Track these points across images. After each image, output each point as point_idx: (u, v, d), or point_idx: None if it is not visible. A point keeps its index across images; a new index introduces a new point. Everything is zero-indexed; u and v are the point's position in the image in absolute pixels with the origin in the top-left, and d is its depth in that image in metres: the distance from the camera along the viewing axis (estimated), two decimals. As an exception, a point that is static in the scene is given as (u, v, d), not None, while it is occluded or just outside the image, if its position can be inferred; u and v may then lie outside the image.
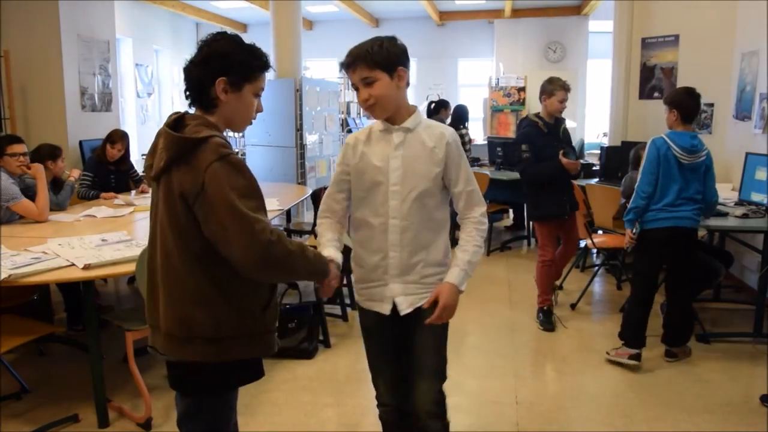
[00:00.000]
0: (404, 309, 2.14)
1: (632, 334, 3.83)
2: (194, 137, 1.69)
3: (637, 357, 3.79)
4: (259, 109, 1.91)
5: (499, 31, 11.67)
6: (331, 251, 2.10)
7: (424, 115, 2.30)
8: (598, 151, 7.43)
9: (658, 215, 3.70)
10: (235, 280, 1.73)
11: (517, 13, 11.31)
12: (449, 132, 2.12)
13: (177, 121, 1.80)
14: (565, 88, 4.32)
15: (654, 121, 5.93)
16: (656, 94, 6.38)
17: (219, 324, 1.75)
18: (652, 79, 6.42)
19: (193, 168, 1.66)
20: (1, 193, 4.03)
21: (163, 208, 1.75)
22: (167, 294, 1.78)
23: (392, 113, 2.08)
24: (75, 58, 6.41)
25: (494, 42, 11.78)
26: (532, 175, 4.44)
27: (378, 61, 1.98)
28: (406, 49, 2.06)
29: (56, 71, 6.23)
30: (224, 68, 1.76)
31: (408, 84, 2.09)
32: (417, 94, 12.05)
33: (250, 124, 1.93)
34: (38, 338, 3.32)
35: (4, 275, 2.84)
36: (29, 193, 4.21)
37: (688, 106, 3.73)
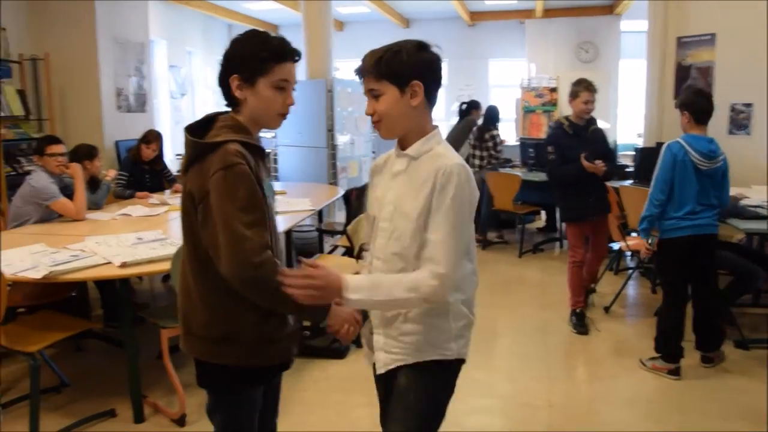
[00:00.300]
0: (379, 368, 1.84)
1: (669, 349, 3.73)
2: (207, 142, 1.70)
3: (676, 372, 3.70)
4: (288, 102, 1.80)
5: (531, 31, 11.58)
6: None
7: (443, 132, 1.93)
8: (633, 153, 7.33)
9: (679, 224, 3.59)
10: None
11: (548, 13, 11.21)
12: (447, 166, 1.65)
13: (208, 122, 1.81)
14: (589, 89, 4.29)
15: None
16: (692, 95, 6.26)
17: (213, 326, 1.77)
18: (688, 79, 6.30)
19: (202, 172, 1.68)
20: (41, 192, 4.12)
21: (182, 207, 1.79)
22: (179, 288, 1.86)
23: (402, 134, 1.77)
24: (111, 60, 6.53)
25: (525, 42, 11.69)
26: (558, 176, 4.48)
27: (386, 72, 1.68)
28: (433, 60, 1.72)
29: (93, 73, 6.36)
30: (235, 65, 1.75)
31: (430, 102, 1.75)
32: (448, 96, 12.02)
33: (283, 118, 1.82)
34: (76, 334, 3.38)
35: (44, 272, 2.91)
36: (67, 192, 4.29)
37: (699, 107, 3.61)
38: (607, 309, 4.87)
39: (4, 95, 5.79)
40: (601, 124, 4.78)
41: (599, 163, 4.26)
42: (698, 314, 3.85)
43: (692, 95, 3.68)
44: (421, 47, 1.71)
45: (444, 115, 11.52)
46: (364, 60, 1.74)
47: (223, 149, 1.67)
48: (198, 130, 1.77)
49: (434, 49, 1.73)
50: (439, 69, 1.75)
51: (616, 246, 5.46)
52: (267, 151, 1.83)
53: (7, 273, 2.88)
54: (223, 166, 1.64)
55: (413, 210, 1.68)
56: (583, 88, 4.29)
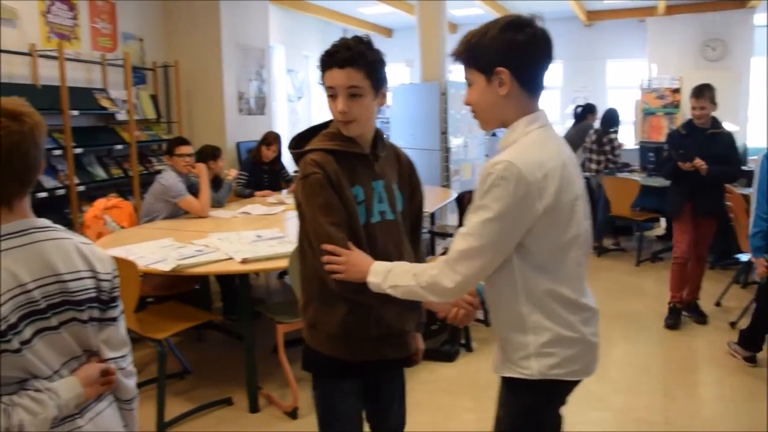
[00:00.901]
0: (493, 368, 1.76)
1: (750, 338, 3.76)
2: (297, 151, 1.84)
3: (751, 359, 3.74)
4: (337, 108, 1.75)
5: (652, 29, 11.06)
6: None
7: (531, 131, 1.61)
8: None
9: None
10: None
11: (671, 9, 10.65)
12: (491, 163, 1.53)
13: (323, 126, 1.89)
14: (697, 95, 4.35)
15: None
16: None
17: (306, 312, 1.90)
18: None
19: (298, 178, 1.82)
20: (169, 190, 4.39)
21: None
22: None
23: (500, 126, 1.63)
24: (234, 65, 6.86)
25: (646, 41, 11.19)
26: (662, 174, 4.86)
27: (471, 58, 1.60)
28: (520, 42, 1.53)
29: (217, 78, 6.70)
30: None
31: (528, 86, 1.57)
32: (563, 98, 11.71)
33: (346, 124, 1.78)
34: (199, 325, 3.58)
35: (172, 265, 3.10)
36: (192, 190, 4.55)
37: None
38: (733, 324, 4.57)
39: (139, 100, 6.22)
40: (729, 126, 4.60)
41: (698, 161, 4.27)
42: None
43: None
44: (509, 26, 1.53)
45: (559, 117, 11.24)
46: (457, 43, 1.62)
47: (303, 159, 1.79)
48: (308, 137, 1.87)
49: (531, 26, 1.54)
50: (532, 49, 1.54)
51: (744, 258, 5.13)
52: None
53: (140, 264, 3.10)
54: (302, 176, 1.77)
55: None
56: (691, 94, 4.38)
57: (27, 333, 1.24)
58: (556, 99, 11.74)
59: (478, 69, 1.56)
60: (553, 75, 11.56)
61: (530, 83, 1.56)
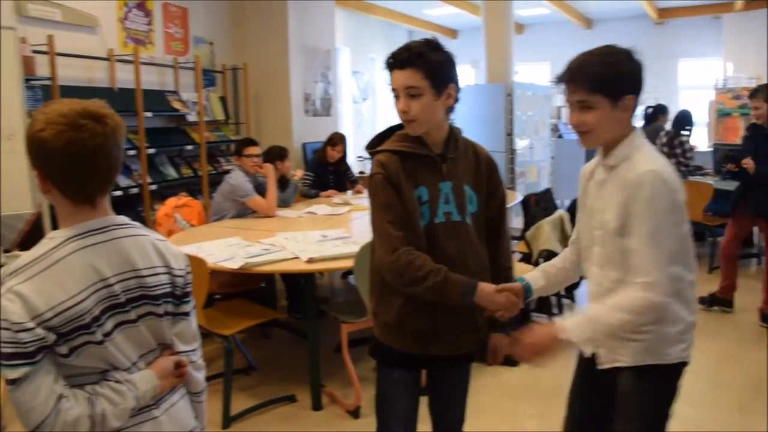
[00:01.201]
0: (601, 363, 1.85)
1: None
2: (370, 150, 1.95)
3: None
4: (398, 108, 1.85)
5: (728, 26, 10.63)
6: (530, 274, 2.02)
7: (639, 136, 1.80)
8: None
9: None
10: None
11: (750, 5, 10.20)
12: (636, 175, 1.65)
13: (400, 126, 1.95)
14: (750, 94, 4.52)
15: None
16: None
17: (373, 303, 2.00)
18: None
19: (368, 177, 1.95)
20: (238, 190, 4.49)
21: None
22: None
23: (606, 143, 1.76)
24: (300, 67, 6.96)
25: (722, 39, 10.77)
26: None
27: (600, 85, 1.67)
28: (640, 70, 1.72)
29: (284, 80, 6.82)
30: None
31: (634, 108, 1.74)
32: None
33: (408, 123, 1.86)
34: (264, 322, 3.65)
35: (240, 263, 3.17)
36: (260, 190, 4.64)
37: None
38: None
39: (209, 102, 6.40)
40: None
41: (746, 161, 4.43)
42: None
43: None
44: (630, 57, 1.72)
45: (627, 119, 10.95)
46: (572, 68, 1.72)
47: (373, 160, 1.91)
48: (385, 137, 1.96)
49: (636, 56, 1.73)
50: (642, 77, 1.73)
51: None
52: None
53: (209, 262, 3.18)
54: (370, 175, 1.91)
55: (612, 220, 1.71)
56: (749, 96, 4.54)
57: (108, 325, 1.29)
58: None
59: (605, 94, 1.68)
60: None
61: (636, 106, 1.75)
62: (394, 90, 1.85)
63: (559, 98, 10.01)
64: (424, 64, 1.78)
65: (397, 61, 1.81)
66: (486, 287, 1.81)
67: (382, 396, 2.05)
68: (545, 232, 4.22)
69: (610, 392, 1.84)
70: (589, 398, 1.98)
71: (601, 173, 1.80)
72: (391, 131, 1.96)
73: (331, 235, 3.74)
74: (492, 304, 1.82)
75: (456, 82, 1.87)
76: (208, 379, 3.60)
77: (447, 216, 1.89)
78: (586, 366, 1.93)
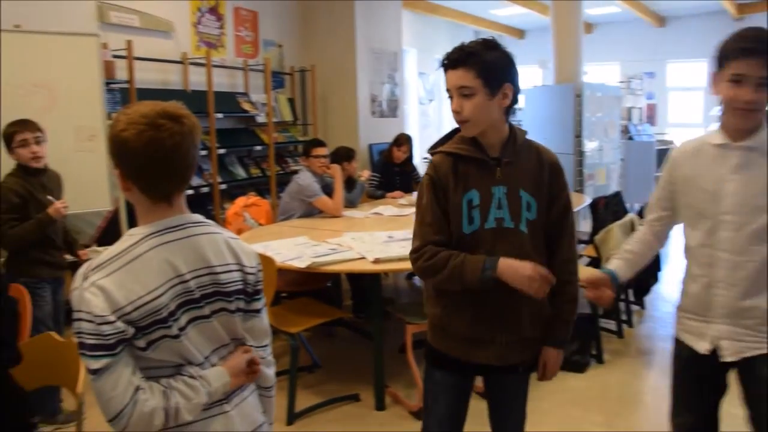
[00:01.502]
0: (727, 355, 1.86)
1: None
2: (430, 151, 1.94)
3: None
4: (451, 108, 1.83)
5: (815, 23, 10.12)
6: (612, 263, 2.09)
7: None
8: None
9: None
10: None
11: (842, -1, 9.70)
12: None
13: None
14: None
15: None
16: None
17: (425, 303, 2.01)
18: None
19: None
20: (305, 190, 4.55)
21: None
22: None
23: (744, 126, 1.81)
24: (367, 69, 7.02)
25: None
26: None
27: None
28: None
29: (351, 81, 6.89)
30: None
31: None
32: (706, 98, 10.98)
33: (462, 124, 1.84)
34: (329, 321, 3.68)
35: (307, 263, 3.21)
36: (327, 190, 4.69)
37: None
38: None
39: (277, 103, 6.51)
40: None
41: None
42: None
43: None
44: None
45: (702, 120, 10.56)
46: None
47: (430, 161, 1.93)
48: (449, 138, 1.94)
49: None
50: None
51: None
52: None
53: (277, 260, 3.23)
54: (423, 176, 1.92)
55: None
56: None
57: (183, 320, 1.33)
58: (699, 100, 11.05)
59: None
60: (697, 74, 10.88)
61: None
62: (448, 90, 1.81)
63: (630, 99, 9.73)
64: (476, 64, 1.73)
65: (450, 61, 1.78)
66: (509, 260, 1.74)
67: (424, 394, 2.08)
68: (615, 236, 4.09)
69: (724, 385, 1.93)
70: (710, 394, 1.99)
71: (737, 157, 1.82)
72: (455, 133, 1.92)
73: (397, 236, 3.74)
74: (517, 277, 1.72)
75: (513, 82, 1.79)
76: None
77: (499, 222, 1.82)
78: (699, 363, 1.92)
